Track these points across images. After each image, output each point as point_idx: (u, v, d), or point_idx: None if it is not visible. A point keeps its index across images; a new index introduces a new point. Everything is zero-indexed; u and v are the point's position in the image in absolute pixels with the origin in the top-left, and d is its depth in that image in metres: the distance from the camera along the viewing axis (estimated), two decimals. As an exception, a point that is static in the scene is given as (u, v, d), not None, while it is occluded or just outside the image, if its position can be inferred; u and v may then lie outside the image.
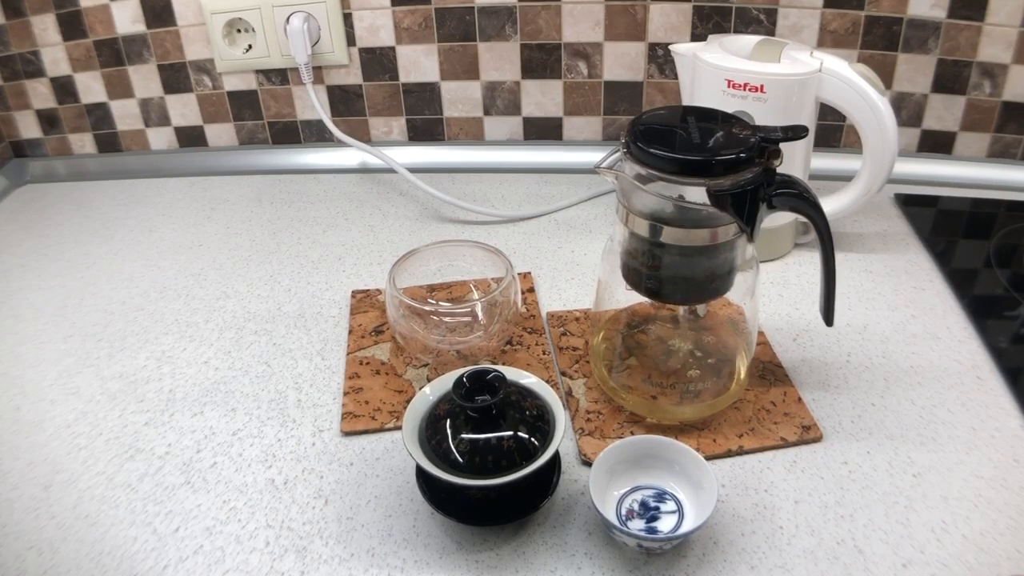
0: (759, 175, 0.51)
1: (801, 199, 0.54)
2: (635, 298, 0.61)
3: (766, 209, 0.54)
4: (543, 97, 1.00)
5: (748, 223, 0.52)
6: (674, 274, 0.55)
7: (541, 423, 0.53)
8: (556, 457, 0.55)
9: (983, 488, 0.54)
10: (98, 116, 1.05)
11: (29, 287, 0.83)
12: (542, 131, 1.02)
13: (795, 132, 0.52)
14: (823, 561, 0.50)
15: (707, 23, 0.92)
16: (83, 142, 1.08)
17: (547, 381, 0.57)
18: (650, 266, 0.55)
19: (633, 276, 0.57)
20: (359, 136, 1.02)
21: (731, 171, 0.50)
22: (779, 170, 0.53)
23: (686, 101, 0.80)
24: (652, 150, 0.51)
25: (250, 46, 0.98)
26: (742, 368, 0.61)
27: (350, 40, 0.97)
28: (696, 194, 0.51)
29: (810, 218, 0.55)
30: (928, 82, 0.91)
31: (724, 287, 0.56)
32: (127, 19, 0.98)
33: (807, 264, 0.81)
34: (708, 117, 0.55)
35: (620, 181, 0.54)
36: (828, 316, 0.60)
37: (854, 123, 0.73)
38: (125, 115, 1.05)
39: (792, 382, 0.64)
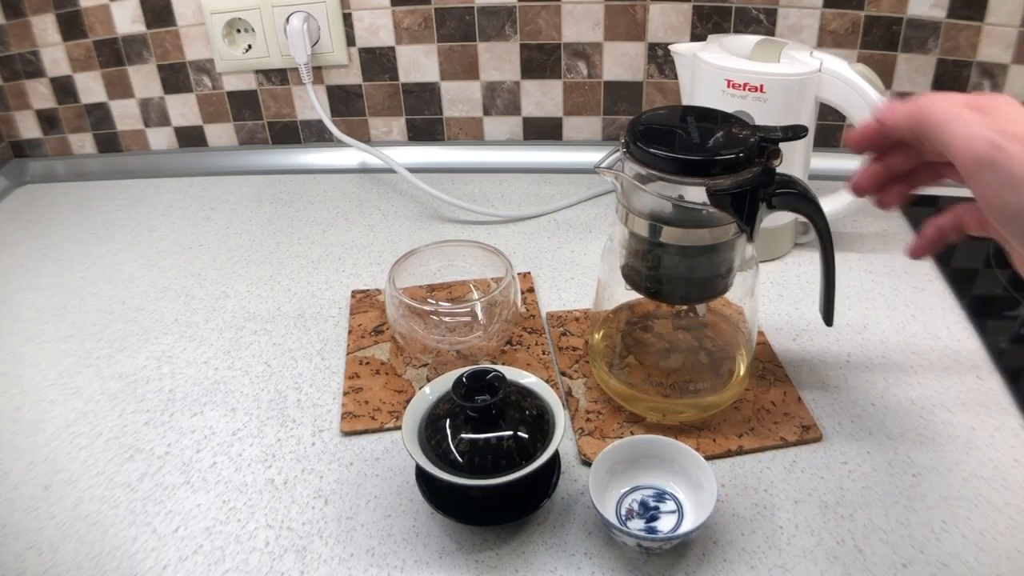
0: (759, 175, 0.51)
1: (801, 199, 0.54)
2: (635, 298, 0.61)
3: (766, 209, 0.53)
4: (543, 97, 1.00)
5: (748, 223, 0.52)
6: (674, 274, 0.55)
7: (541, 423, 0.53)
8: (556, 457, 0.55)
9: (983, 488, 0.54)
10: (98, 116, 1.05)
11: (29, 287, 0.83)
12: (542, 131, 1.02)
13: (795, 132, 0.52)
14: (823, 561, 0.50)
15: (707, 23, 0.92)
16: (83, 142, 1.08)
17: (547, 381, 0.57)
18: (650, 266, 0.55)
19: (633, 276, 0.57)
20: (359, 136, 1.02)
21: (731, 171, 0.50)
22: (779, 170, 0.53)
23: (686, 101, 0.80)
24: (652, 150, 0.51)
25: (250, 46, 0.98)
26: (742, 368, 0.61)
27: (350, 40, 0.98)
28: (696, 194, 0.51)
29: (810, 218, 0.55)
30: (928, 82, 0.91)
31: (724, 287, 0.56)
32: (127, 19, 0.98)
33: (807, 264, 0.81)
34: (708, 117, 0.55)
35: (620, 181, 0.54)
36: (828, 316, 0.60)
37: (854, 123, 0.73)
38: (125, 115, 1.05)
39: (792, 382, 0.64)
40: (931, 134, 0.45)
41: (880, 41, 0.90)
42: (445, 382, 0.55)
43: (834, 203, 0.78)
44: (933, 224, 0.52)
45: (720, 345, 0.65)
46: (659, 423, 0.60)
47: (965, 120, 0.43)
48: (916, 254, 0.53)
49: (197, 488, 0.57)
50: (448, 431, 0.52)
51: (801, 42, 0.82)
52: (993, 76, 0.89)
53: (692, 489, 0.53)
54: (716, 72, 0.72)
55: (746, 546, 0.51)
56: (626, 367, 0.63)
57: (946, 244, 0.52)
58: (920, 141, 0.46)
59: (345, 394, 0.65)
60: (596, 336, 0.65)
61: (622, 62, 0.96)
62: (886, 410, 0.62)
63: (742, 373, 0.61)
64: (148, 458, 0.60)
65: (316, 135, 1.05)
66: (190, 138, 1.07)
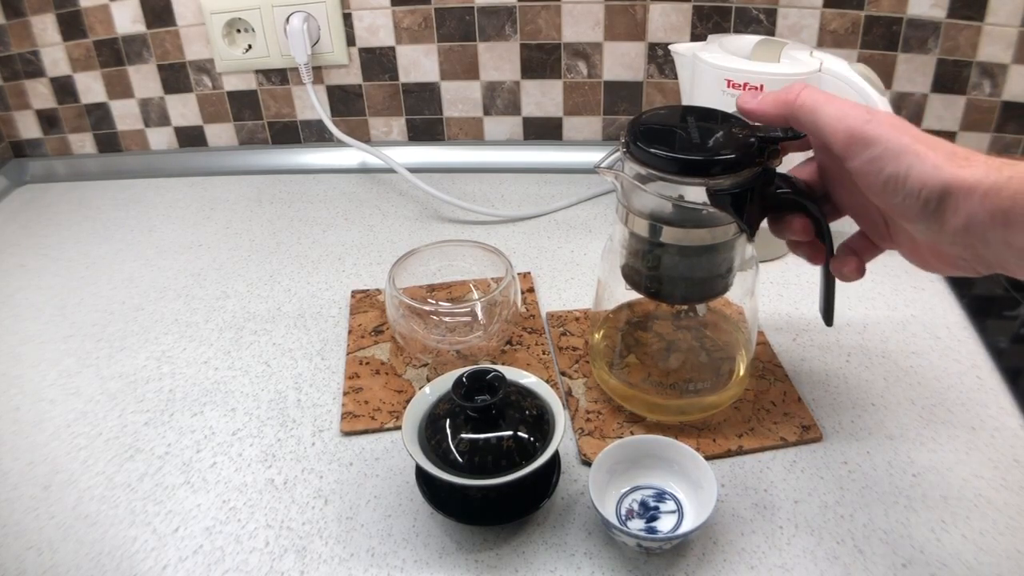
0: (759, 175, 0.51)
1: (801, 198, 0.54)
2: (635, 298, 0.61)
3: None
4: (543, 97, 1.00)
5: (748, 223, 0.52)
6: (674, 274, 0.55)
7: (541, 423, 0.53)
8: (556, 457, 0.55)
9: (983, 488, 0.54)
10: (98, 116, 1.05)
11: (29, 287, 0.83)
12: (542, 131, 1.02)
13: (794, 132, 0.52)
14: (823, 561, 0.50)
15: (707, 23, 0.92)
16: (83, 142, 1.08)
17: (547, 381, 0.57)
18: (650, 266, 0.55)
19: (633, 276, 0.57)
20: (359, 136, 1.02)
21: (731, 171, 0.50)
22: (779, 170, 0.53)
23: (686, 101, 0.80)
24: (652, 150, 0.51)
25: (250, 46, 0.98)
26: (742, 368, 0.61)
27: (350, 40, 0.98)
28: (696, 194, 0.51)
29: (810, 218, 0.55)
30: (928, 82, 0.91)
31: (724, 287, 0.56)
32: (127, 19, 0.98)
33: (807, 264, 0.80)
34: (708, 117, 0.55)
35: (620, 181, 0.54)
36: (828, 316, 0.60)
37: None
38: (125, 115, 1.05)
39: (792, 382, 0.64)
40: (803, 118, 0.46)
41: (880, 41, 0.90)
42: (445, 382, 0.55)
43: (834, 203, 0.77)
44: (846, 263, 0.54)
45: (720, 345, 0.65)
46: (659, 423, 0.60)
47: (836, 103, 0.44)
48: (852, 278, 0.55)
49: (197, 488, 0.57)
50: (448, 431, 0.52)
51: (801, 42, 0.82)
52: (993, 76, 0.89)
53: (692, 489, 0.53)
54: (716, 72, 0.72)
55: (746, 546, 0.51)
56: (626, 367, 0.63)
57: (863, 271, 0.54)
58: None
59: (345, 394, 0.65)
60: (596, 336, 0.65)
61: (622, 62, 0.96)
62: (886, 410, 0.62)
63: (742, 373, 0.61)
64: (148, 458, 0.60)
65: (316, 135, 1.05)
66: (190, 138, 1.07)
